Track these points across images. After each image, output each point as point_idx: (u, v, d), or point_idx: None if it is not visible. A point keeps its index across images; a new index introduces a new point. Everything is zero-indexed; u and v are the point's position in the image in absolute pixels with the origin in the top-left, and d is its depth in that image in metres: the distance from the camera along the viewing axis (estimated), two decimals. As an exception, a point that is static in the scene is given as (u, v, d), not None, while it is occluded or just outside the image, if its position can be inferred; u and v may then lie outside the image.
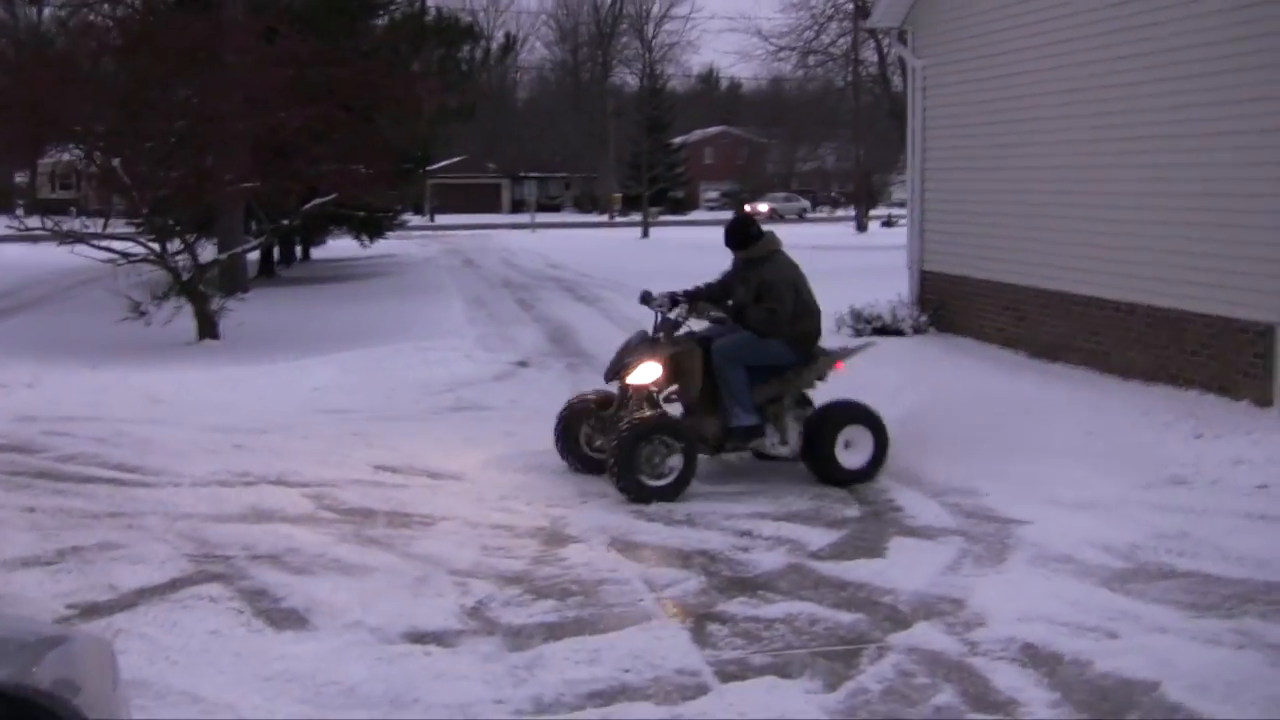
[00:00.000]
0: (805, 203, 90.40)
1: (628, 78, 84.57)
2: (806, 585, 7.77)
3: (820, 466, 10.44)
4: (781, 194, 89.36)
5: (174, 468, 10.74)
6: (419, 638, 6.84)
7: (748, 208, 61.73)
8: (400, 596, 7.50)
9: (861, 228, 65.65)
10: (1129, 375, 14.17)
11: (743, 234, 10.88)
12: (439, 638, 6.85)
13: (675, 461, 9.91)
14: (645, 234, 61.11)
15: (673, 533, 9.01)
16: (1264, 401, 12.19)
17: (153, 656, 6.52)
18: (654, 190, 74.49)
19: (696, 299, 10.92)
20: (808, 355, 10.70)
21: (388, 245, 46.12)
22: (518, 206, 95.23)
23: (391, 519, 8.91)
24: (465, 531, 8.90)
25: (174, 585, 7.64)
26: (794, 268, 10.74)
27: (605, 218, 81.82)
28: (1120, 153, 14.50)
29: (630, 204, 79.90)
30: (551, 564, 8.19)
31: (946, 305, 18.73)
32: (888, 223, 71.53)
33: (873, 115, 63.16)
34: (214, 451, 11.44)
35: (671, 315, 10.72)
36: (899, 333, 18.42)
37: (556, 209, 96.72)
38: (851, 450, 10.42)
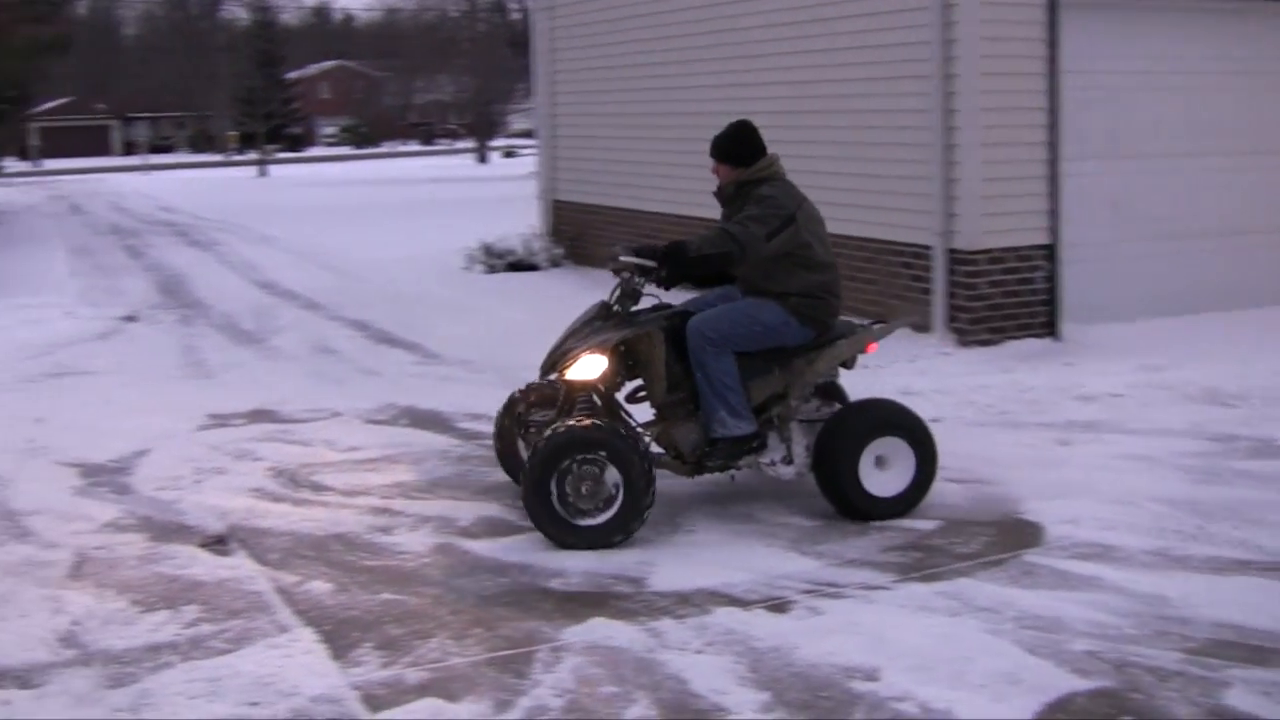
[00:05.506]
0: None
1: (238, 11, 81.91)
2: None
3: (837, 492, 7.39)
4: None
5: None
6: (-4, 678, 5.62)
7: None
8: (-26, 622, 6.23)
9: (482, 159, 64.96)
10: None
11: (747, 145, 7.65)
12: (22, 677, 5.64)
13: (611, 489, 7.00)
14: (262, 172, 59.20)
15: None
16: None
17: None
18: (269, 127, 72.42)
19: (681, 256, 7.29)
20: (823, 331, 7.50)
21: (-17, 194, 43.27)
22: (130, 149, 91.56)
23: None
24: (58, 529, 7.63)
25: None
26: (803, 198, 7.53)
27: (221, 157, 79.15)
28: (763, 69, 14.01)
29: (247, 142, 77.39)
30: (160, 563, 7.03)
31: (582, 236, 17.97)
32: (508, 153, 71.13)
33: (490, 44, 62.40)
34: None
35: (639, 285, 7.43)
36: (533, 267, 17.67)
37: (170, 150, 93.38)
38: (884, 470, 7.41)
